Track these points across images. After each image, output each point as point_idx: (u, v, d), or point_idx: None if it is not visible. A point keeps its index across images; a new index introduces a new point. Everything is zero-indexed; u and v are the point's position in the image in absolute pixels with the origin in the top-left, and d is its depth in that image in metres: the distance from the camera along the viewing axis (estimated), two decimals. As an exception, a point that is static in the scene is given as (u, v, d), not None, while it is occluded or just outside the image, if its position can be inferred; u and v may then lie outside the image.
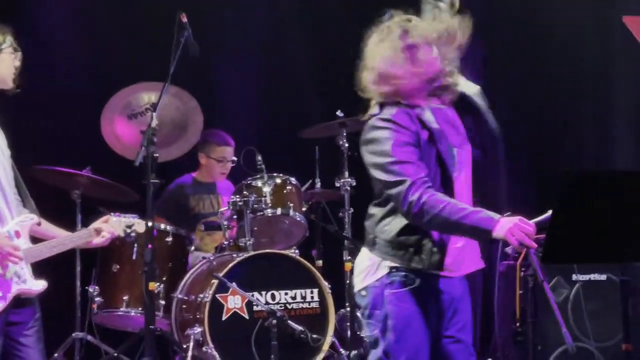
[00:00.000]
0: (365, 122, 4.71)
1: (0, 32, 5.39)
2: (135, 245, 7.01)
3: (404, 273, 4.51)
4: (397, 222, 4.57)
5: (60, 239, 5.53)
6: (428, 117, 4.69)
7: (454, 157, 4.73)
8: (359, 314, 5.09)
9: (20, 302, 5.25)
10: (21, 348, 5.27)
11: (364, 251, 4.69)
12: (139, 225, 5.92)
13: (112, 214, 5.77)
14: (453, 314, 4.65)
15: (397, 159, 4.53)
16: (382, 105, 4.70)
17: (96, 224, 5.59)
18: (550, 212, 4.65)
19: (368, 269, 4.62)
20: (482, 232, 4.44)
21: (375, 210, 4.67)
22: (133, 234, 5.86)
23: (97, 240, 5.60)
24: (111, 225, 5.62)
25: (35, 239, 5.45)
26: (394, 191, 4.54)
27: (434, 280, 4.57)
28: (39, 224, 5.44)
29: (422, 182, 4.52)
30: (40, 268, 5.42)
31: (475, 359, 4.74)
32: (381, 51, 4.73)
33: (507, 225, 4.41)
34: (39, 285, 5.34)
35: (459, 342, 4.64)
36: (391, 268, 4.53)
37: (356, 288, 4.81)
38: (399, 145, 4.58)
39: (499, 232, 4.41)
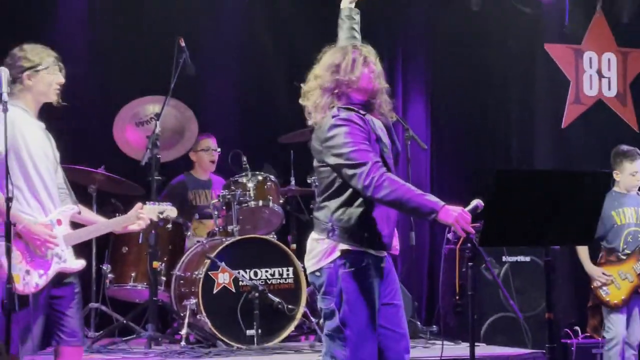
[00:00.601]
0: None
1: (36, 54, 5.41)
2: (142, 232, 6.85)
3: (355, 255, 4.54)
4: (353, 212, 4.60)
5: (97, 224, 5.52)
6: (375, 123, 4.78)
7: (389, 158, 4.83)
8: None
9: (62, 280, 5.27)
10: (64, 317, 5.26)
11: (315, 237, 4.70)
12: (171, 211, 5.85)
13: (147, 202, 5.75)
14: (388, 284, 4.71)
15: (358, 147, 4.58)
16: (338, 109, 4.77)
17: (132, 213, 5.56)
18: (475, 202, 4.72)
19: (321, 253, 4.63)
20: (428, 212, 4.51)
21: (327, 203, 4.67)
22: (164, 218, 5.84)
23: (134, 226, 5.60)
24: (145, 211, 5.60)
25: (77, 225, 5.48)
26: (357, 171, 4.56)
27: (379, 259, 4.63)
28: (79, 212, 5.46)
29: (380, 165, 4.60)
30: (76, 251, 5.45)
31: (405, 318, 4.82)
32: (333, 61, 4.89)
33: (453, 214, 4.49)
34: (78, 264, 5.33)
35: (394, 306, 4.71)
36: (344, 251, 4.53)
37: (310, 270, 4.85)
38: (357, 138, 4.64)
39: (444, 217, 4.50)
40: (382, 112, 4.93)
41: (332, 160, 4.68)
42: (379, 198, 4.53)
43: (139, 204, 5.61)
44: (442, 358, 6.48)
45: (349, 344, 4.62)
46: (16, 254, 5.06)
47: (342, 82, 4.88)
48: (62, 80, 5.41)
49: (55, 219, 5.21)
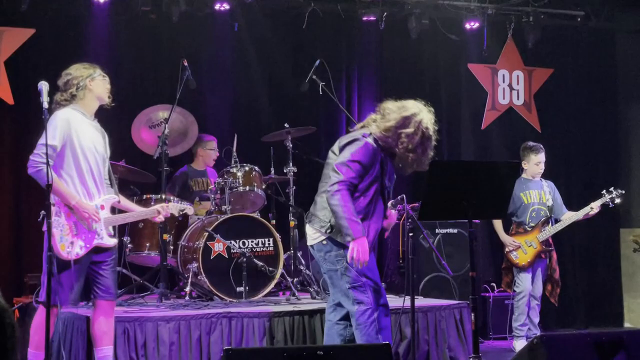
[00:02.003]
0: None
1: (90, 66, 5.42)
2: None
3: None
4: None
5: (131, 213, 5.59)
6: (385, 161, 4.83)
7: (389, 191, 4.92)
8: (318, 255, 5.11)
9: (101, 249, 5.27)
10: (100, 277, 5.28)
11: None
12: (189, 210, 6.03)
13: (172, 199, 5.96)
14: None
15: (354, 163, 4.68)
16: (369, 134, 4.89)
17: (158, 207, 5.63)
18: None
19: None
20: (347, 235, 4.62)
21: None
22: (183, 214, 6.05)
23: (158, 219, 5.67)
24: (169, 207, 5.66)
25: (116, 211, 5.52)
26: (334, 176, 4.66)
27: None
28: (118, 201, 5.47)
29: (350, 183, 4.66)
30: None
31: None
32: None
33: (356, 246, 4.68)
34: (112, 241, 5.35)
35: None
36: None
37: (315, 242, 4.90)
38: (361, 158, 4.72)
39: (354, 243, 4.70)
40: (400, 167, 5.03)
41: (336, 161, 4.85)
42: (329, 204, 4.80)
43: (164, 203, 5.71)
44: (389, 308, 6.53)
45: (368, 288, 4.72)
46: (66, 227, 5.08)
47: (396, 140, 4.87)
48: (109, 86, 5.43)
49: (99, 204, 5.24)
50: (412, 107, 5.06)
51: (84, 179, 5.20)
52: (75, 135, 5.17)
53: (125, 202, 5.60)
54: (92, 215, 5.15)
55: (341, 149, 5.01)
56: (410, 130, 4.93)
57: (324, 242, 4.91)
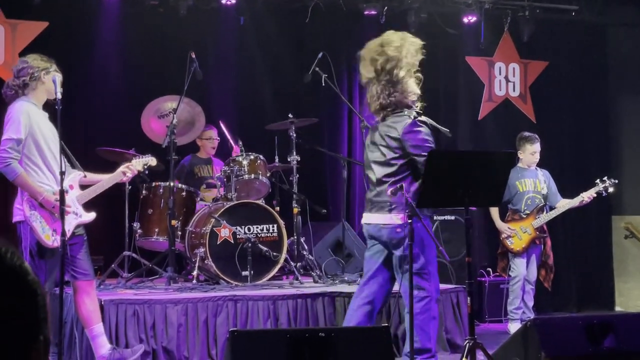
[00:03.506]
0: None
1: (47, 60, 5.31)
2: (163, 198, 6.99)
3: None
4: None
5: (100, 183, 5.51)
6: None
7: None
8: (390, 241, 5.03)
9: (75, 233, 5.29)
10: (75, 260, 5.30)
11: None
12: (153, 161, 5.93)
13: (134, 158, 5.80)
14: None
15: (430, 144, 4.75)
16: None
17: (122, 167, 5.59)
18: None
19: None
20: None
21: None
22: (148, 168, 5.90)
23: (125, 178, 5.63)
24: (133, 164, 5.63)
25: (85, 187, 5.48)
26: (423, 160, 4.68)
27: None
28: (84, 176, 5.45)
29: None
30: (103, 213, 5.46)
31: None
32: None
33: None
34: (90, 216, 5.38)
35: None
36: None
37: (387, 228, 4.91)
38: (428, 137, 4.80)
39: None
40: None
41: (411, 148, 4.79)
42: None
43: (126, 163, 5.61)
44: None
45: (432, 277, 4.91)
46: (42, 219, 5.07)
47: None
48: (61, 80, 5.31)
49: (67, 185, 5.21)
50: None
51: (50, 167, 5.21)
52: (36, 126, 5.16)
53: (92, 175, 5.53)
54: (56, 207, 5.12)
55: (406, 135, 4.87)
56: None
57: (398, 230, 4.91)
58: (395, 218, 4.85)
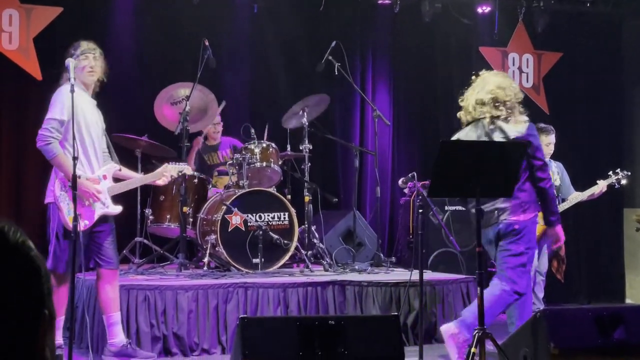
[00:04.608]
0: None
1: (82, 44, 5.44)
2: (174, 184, 6.98)
3: None
4: None
5: (133, 179, 5.65)
6: None
7: None
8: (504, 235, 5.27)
9: (104, 219, 5.33)
10: (101, 247, 5.37)
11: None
12: (188, 170, 6.09)
13: (169, 163, 5.88)
14: None
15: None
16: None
17: (160, 170, 5.68)
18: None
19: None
20: (556, 221, 5.42)
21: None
22: (182, 175, 6.06)
23: (159, 181, 5.71)
24: (169, 170, 5.70)
25: (118, 180, 5.55)
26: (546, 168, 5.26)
27: None
28: (119, 169, 5.53)
29: None
30: (115, 198, 5.50)
31: None
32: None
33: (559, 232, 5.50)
34: (117, 209, 5.44)
35: None
36: None
37: (504, 223, 5.19)
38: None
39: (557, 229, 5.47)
40: None
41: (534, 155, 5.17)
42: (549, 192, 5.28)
43: (165, 165, 5.71)
44: (398, 281, 6.57)
45: (527, 274, 5.19)
46: (70, 202, 5.15)
47: None
48: (92, 64, 5.39)
49: (101, 175, 5.31)
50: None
51: (87, 153, 5.28)
52: (80, 110, 5.22)
53: (126, 171, 5.65)
54: (93, 194, 5.21)
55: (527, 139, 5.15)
56: None
57: (516, 227, 5.11)
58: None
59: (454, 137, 5.44)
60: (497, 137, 5.23)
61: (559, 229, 5.49)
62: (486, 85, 5.38)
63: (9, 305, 1.25)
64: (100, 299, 5.47)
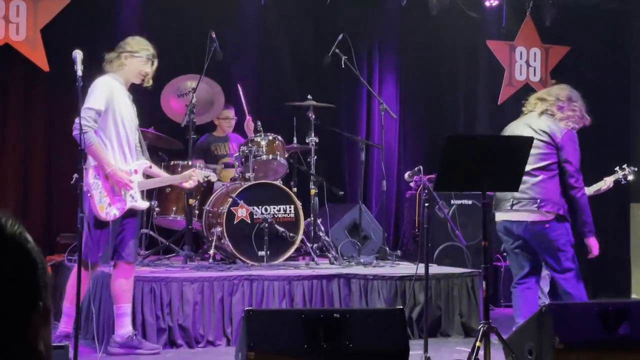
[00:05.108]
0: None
1: (144, 44, 5.52)
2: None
3: None
4: None
5: (161, 178, 5.82)
6: None
7: None
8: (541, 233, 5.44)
9: (132, 213, 5.39)
10: (123, 240, 5.42)
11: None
12: (213, 177, 6.29)
13: (197, 168, 6.09)
14: None
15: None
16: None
17: (187, 173, 5.82)
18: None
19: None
20: (590, 231, 5.74)
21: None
22: (207, 181, 6.30)
23: (187, 184, 5.80)
24: (196, 174, 5.78)
25: (146, 176, 5.63)
26: (577, 173, 5.57)
27: None
28: (150, 167, 5.61)
29: None
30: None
31: None
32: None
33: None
34: (145, 204, 5.56)
35: None
36: None
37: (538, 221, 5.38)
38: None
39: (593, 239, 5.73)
40: None
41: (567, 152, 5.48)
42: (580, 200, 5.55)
43: (193, 169, 5.83)
44: (403, 275, 6.57)
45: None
46: (103, 190, 5.21)
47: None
48: (148, 71, 5.51)
49: (133, 169, 5.37)
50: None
51: (122, 144, 5.35)
52: (116, 102, 5.31)
53: (155, 169, 5.75)
54: (126, 185, 5.27)
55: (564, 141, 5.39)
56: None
57: (547, 226, 5.31)
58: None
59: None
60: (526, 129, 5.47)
61: (592, 241, 5.54)
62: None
63: (4, 298, 1.23)
64: (113, 289, 5.52)
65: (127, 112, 5.45)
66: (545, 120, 5.59)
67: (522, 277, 5.68)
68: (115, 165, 5.30)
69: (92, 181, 5.26)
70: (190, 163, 6.85)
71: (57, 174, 7.88)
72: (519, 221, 5.51)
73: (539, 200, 5.42)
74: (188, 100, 7.03)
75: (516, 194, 5.36)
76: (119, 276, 5.48)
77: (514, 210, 5.50)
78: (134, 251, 5.56)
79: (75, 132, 5.19)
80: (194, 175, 5.79)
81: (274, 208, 6.90)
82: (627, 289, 9.80)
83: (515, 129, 5.70)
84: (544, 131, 5.52)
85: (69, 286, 5.42)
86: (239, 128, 8.19)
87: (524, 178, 4.99)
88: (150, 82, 5.68)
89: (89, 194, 5.24)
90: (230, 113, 8.14)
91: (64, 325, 5.42)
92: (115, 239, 5.39)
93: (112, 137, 5.34)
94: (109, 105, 5.31)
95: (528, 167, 5.09)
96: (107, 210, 5.27)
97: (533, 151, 5.01)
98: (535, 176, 5.43)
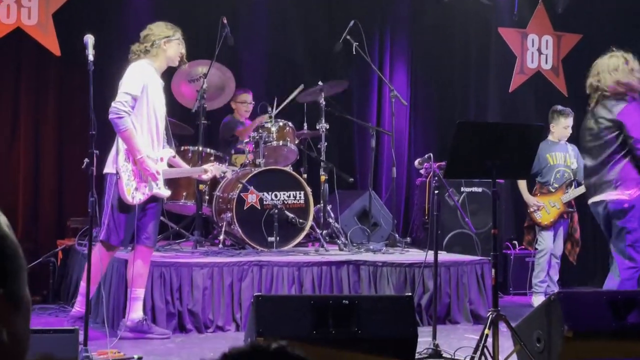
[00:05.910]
0: None
1: (172, 28, 5.57)
2: (191, 162, 6.90)
3: None
4: None
5: (183, 169, 5.92)
6: None
7: None
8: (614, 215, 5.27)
9: (154, 199, 5.44)
10: (146, 224, 5.48)
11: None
12: (228, 172, 6.42)
13: (216, 163, 6.22)
14: None
15: None
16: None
17: (206, 166, 5.96)
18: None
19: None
20: None
21: None
22: (224, 176, 6.45)
23: (204, 177, 5.89)
24: (214, 169, 5.89)
25: (169, 166, 5.70)
26: None
27: None
28: (174, 157, 5.67)
29: None
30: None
31: None
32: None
33: None
34: (167, 192, 5.60)
35: None
36: None
37: (614, 203, 5.17)
38: None
39: None
40: None
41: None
42: None
43: (213, 163, 5.91)
44: (413, 262, 6.57)
45: None
46: (132, 174, 5.27)
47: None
48: (184, 51, 5.62)
49: (159, 157, 5.42)
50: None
51: (151, 131, 5.41)
52: (150, 88, 5.34)
53: (178, 159, 5.88)
54: (153, 175, 5.32)
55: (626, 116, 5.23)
56: None
57: (626, 206, 5.14)
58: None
59: None
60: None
61: None
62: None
63: None
64: (129, 272, 5.56)
65: (159, 99, 5.52)
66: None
67: None
68: (145, 153, 5.36)
69: (122, 164, 5.32)
70: (200, 149, 6.86)
71: (68, 158, 7.90)
72: None
73: None
74: (199, 85, 7.04)
75: None
76: (137, 259, 5.51)
77: None
78: (154, 236, 5.60)
79: (112, 116, 5.25)
80: (210, 169, 5.88)
81: (284, 194, 6.90)
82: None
83: None
84: None
85: (89, 266, 5.43)
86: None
87: None
88: (186, 62, 5.73)
89: (117, 176, 5.29)
90: (248, 97, 8.13)
91: (79, 305, 5.46)
92: (137, 223, 5.43)
93: (143, 123, 5.40)
94: (144, 91, 5.36)
95: None
96: (134, 194, 5.34)
97: None
98: None
